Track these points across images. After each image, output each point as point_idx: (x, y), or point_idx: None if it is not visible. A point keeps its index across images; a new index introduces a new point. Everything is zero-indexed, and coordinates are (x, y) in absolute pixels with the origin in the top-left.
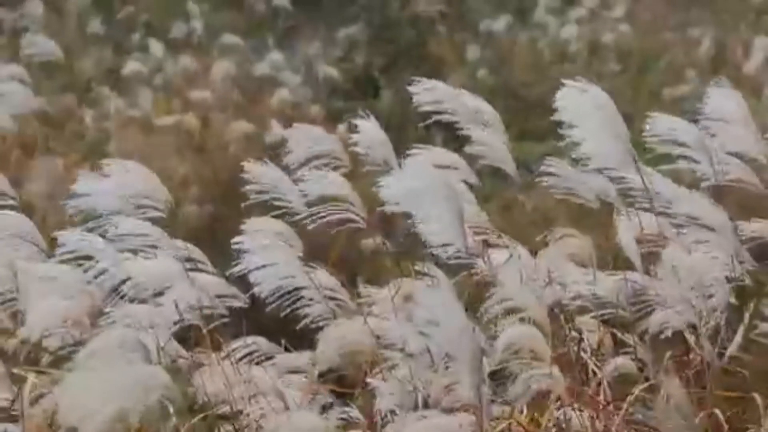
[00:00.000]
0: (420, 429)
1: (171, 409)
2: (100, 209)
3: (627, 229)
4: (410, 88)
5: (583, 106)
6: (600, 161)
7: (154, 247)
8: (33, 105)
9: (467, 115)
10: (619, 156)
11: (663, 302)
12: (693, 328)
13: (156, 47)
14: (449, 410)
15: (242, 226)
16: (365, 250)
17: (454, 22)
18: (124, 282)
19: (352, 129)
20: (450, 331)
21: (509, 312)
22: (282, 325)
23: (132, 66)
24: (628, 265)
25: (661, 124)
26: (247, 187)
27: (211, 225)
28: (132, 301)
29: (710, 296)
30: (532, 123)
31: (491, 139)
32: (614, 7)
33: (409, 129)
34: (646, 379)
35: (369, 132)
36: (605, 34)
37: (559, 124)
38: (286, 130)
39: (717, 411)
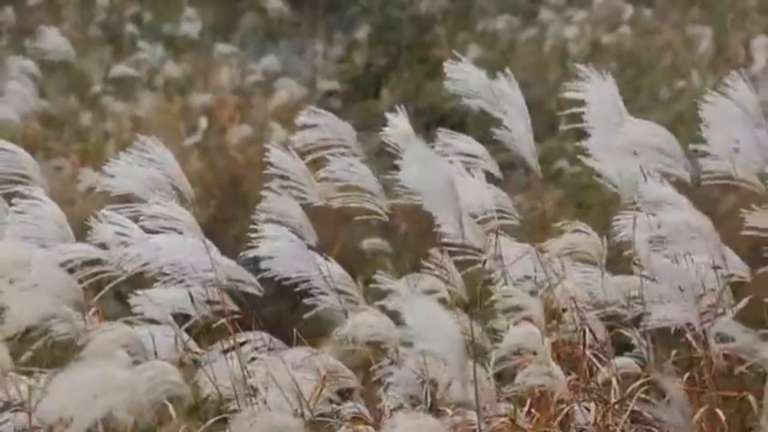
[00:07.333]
0: (411, 428)
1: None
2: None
3: (641, 228)
4: (446, 65)
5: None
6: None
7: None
8: (35, 105)
9: (498, 102)
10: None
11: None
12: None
13: (157, 48)
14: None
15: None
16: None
17: (454, 22)
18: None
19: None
20: (436, 335)
21: (510, 309)
22: (278, 323)
23: (132, 67)
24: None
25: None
26: (268, 171)
27: (212, 226)
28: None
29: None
30: (532, 123)
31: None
32: (614, 7)
33: None
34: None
35: (398, 126)
36: (605, 35)
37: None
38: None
39: (719, 410)
